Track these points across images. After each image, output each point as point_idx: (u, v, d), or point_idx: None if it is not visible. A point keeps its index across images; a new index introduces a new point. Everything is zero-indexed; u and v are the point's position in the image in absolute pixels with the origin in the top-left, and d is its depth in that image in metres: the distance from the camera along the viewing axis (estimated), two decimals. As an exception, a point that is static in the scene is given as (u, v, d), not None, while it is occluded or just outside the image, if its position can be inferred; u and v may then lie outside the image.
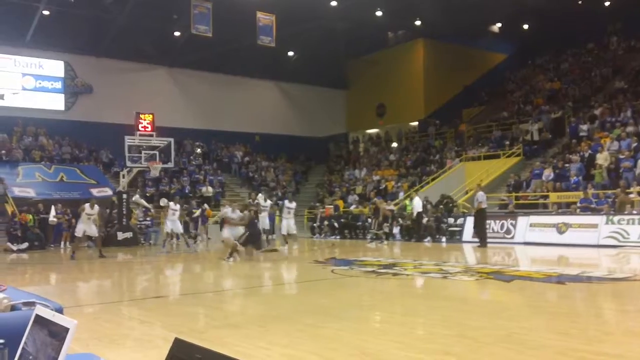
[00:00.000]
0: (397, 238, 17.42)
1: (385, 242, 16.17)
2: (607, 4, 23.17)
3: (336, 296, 6.92)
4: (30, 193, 18.35)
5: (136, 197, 17.61)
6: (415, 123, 27.82)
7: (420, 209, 16.69)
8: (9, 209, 17.06)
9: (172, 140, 18.04)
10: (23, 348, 1.49)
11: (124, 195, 17.29)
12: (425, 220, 17.05)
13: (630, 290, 7.04)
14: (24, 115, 22.17)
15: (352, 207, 21.20)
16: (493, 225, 15.06)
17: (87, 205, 13.01)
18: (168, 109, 23.27)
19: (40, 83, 22.93)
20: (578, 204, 14.56)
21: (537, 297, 6.64)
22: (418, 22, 25.07)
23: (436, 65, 26.91)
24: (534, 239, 14.14)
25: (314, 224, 21.14)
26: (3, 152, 20.25)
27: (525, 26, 25.77)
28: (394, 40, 28.82)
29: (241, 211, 12.51)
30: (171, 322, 5.35)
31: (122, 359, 4.00)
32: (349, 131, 30.86)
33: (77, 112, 23.47)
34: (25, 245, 15.73)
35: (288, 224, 14.10)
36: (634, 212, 13.24)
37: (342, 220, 20.09)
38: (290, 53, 27.40)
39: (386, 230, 17.03)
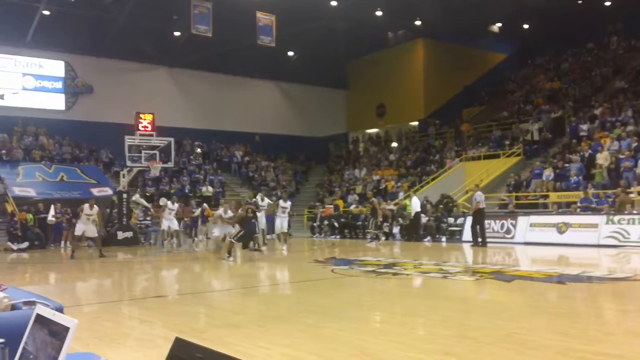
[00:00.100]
0: (397, 238, 17.43)
1: (382, 239, 16.19)
2: (607, 3, 23.15)
3: (336, 296, 6.92)
4: (30, 193, 18.35)
5: (136, 197, 17.63)
6: (416, 123, 27.82)
7: (419, 209, 16.69)
8: (9, 208, 17.08)
9: (172, 140, 18.05)
10: (24, 347, 1.49)
11: (124, 195, 17.30)
12: (425, 219, 17.06)
13: (630, 290, 7.04)
14: (25, 115, 22.17)
15: (352, 207, 21.21)
16: (493, 225, 15.06)
17: (86, 205, 13.02)
18: (168, 108, 23.27)
19: (40, 83, 22.93)
20: (578, 204, 14.56)
21: (538, 297, 6.64)
22: (418, 22, 25.06)
23: (436, 65, 26.91)
24: (534, 239, 14.14)
25: (314, 224, 21.15)
26: (3, 151, 20.26)
27: (526, 26, 25.77)
28: (394, 40, 28.82)
29: (236, 209, 12.53)
30: (171, 321, 5.35)
31: (123, 358, 4.00)
32: (349, 131, 30.86)
33: (78, 112, 23.48)
34: (25, 244, 15.75)
35: (281, 223, 14.06)
36: (634, 212, 13.23)
37: (342, 220, 20.10)
38: (290, 53, 27.40)
39: (386, 230, 17.04)
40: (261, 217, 14.44)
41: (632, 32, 23.78)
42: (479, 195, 13.90)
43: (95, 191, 19.32)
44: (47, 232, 16.87)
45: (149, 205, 17.72)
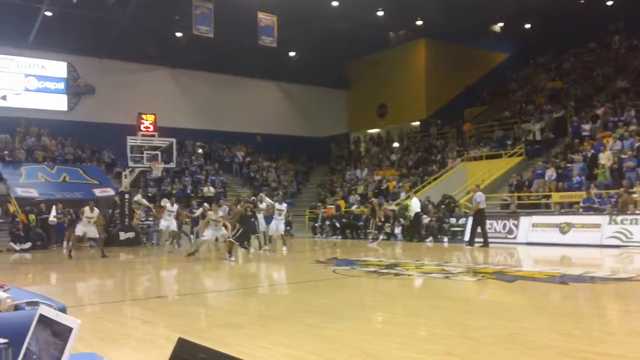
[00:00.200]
0: (399, 238, 17.42)
1: (380, 238, 16.16)
2: (609, 3, 23.09)
3: (338, 296, 6.92)
4: (33, 193, 18.39)
5: (138, 197, 17.65)
6: (417, 123, 27.79)
7: (419, 209, 16.69)
8: (12, 208, 17.12)
9: (174, 140, 18.08)
10: (27, 347, 1.49)
11: (126, 196, 17.33)
12: (427, 220, 17.04)
13: (633, 291, 7.02)
14: (27, 116, 22.22)
15: (354, 207, 21.19)
16: (495, 225, 15.04)
17: (86, 208, 13.05)
18: (170, 109, 23.30)
19: (42, 84, 22.98)
20: (581, 204, 14.52)
21: (540, 298, 6.62)
22: (419, 22, 25.04)
23: (437, 65, 26.88)
24: (537, 239, 14.11)
25: (316, 224, 21.15)
26: (6, 152, 20.30)
27: (527, 26, 25.73)
28: (395, 40, 28.80)
29: (234, 206, 12.54)
30: (174, 321, 5.35)
31: (125, 358, 4.01)
32: (350, 131, 30.85)
33: (80, 112, 23.52)
34: (27, 245, 15.78)
35: (277, 225, 13.81)
36: (637, 212, 13.20)
37: (344, 220, 20.10)
38: (292, 53, 27.41)
39: (388, 230, 17.03)
40: (261, 217, 14.43)
41: (634, 31, 23.72)
42: (479, 196, 13.88)
43: (98, 192, 19.36)
44: (49, 233, 16.90)
45: (150, 206, 17.74)
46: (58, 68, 23.34)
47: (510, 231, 14.84)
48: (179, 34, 23.85)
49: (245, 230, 11.83)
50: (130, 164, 17.37)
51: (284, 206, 14.30)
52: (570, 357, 3.75)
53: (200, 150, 26.18)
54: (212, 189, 22.28)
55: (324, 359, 3.85)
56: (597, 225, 13.19)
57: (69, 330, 1.38)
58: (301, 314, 5.59)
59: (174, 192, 21.30)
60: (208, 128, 26.19)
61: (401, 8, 22.91)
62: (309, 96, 29.23)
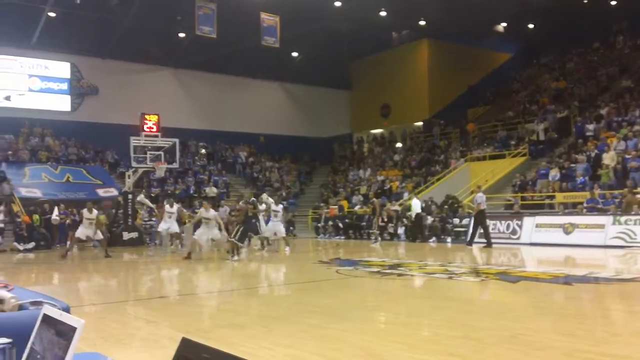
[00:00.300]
0: (402, 238, 17.40)
1: (379, 240, 16.12)
2: (612, 2, 23.02)
3: (340, 296, 6.91)
4: (36, 193, 18.46)
5: (141, 197, 17.66)
6: (420, 123, 27.76)
7: (419, 210, 16.66)
8: (16, 209, 17.19)
9: (177, 140, 18.11)
10: (31, 347, 1.49)
11: (130, 196, 17.36)
12: (430, 220, 17.02)
13: (637, 291, 7.00)
14: (31, 117, 22.30)
15: (357, 208, 21.18)
16: (499, 225, 15.00)
17: (85, 210, 13.08)
18: (173, 109, 23.35)
19: (46, 84, 23.06)
20: (584, 204, 14.48)
21: (544, 298, 6.60)
22: (422, 22, 25.01)
23: (440, 65, 26.84)
24: (540, 240, 14.06)
25: (319, 224, 21.15)
26: (10, 153, 20.39)
27: (530, 25, 25.66)
28: (398, 40, 28.77)
29: (238, 202, 12.58)
30: (177, 321, 5.36)
31: (129, 358, 4.01)
32: (353, 131, 30.84)
33: (83, 113, 23.60)
34: (31, 245, 15.84)
35: (274, 227, 13.71)
36: (641, 212, 13.13)
37: (347, 220, 20.09)
38: (295, 54, 27.41)
39: (391, 230, 17.02)
40: (261, 218, 14.41)
41: (638, 31, 23.63)
42: (480, 197, 13.87)
43: (101, 192, 19.41)
44: (53, 233, 16.96)
45: (153, 206, 17.76)
46: (61, 68, 23.42)
47: (514, 231, 14.80)
48: (182, 35, 23.89)
49: (245, 229, 11.84)
50: (134, 164, 17.41)
51: (279, 207, 14.18)
52: (574, 357, 3.74)
53: (203, 151, 26.22)
54: (215, 189, 22.31)
55: (326, 359, 3.85)
56: (601, 226, 13.14)
57: (72, 330, 1.38)
58: (304, 314, 5.59)
59: (177, 192, 21.34)
60: (211, 128, 26.23)
61: (404, 8, 22.89)
62: (311, 96, 29.23)
